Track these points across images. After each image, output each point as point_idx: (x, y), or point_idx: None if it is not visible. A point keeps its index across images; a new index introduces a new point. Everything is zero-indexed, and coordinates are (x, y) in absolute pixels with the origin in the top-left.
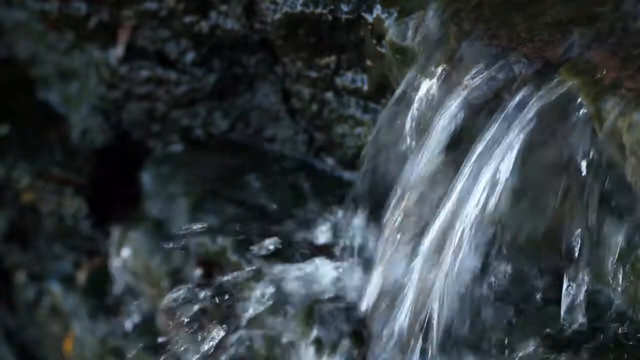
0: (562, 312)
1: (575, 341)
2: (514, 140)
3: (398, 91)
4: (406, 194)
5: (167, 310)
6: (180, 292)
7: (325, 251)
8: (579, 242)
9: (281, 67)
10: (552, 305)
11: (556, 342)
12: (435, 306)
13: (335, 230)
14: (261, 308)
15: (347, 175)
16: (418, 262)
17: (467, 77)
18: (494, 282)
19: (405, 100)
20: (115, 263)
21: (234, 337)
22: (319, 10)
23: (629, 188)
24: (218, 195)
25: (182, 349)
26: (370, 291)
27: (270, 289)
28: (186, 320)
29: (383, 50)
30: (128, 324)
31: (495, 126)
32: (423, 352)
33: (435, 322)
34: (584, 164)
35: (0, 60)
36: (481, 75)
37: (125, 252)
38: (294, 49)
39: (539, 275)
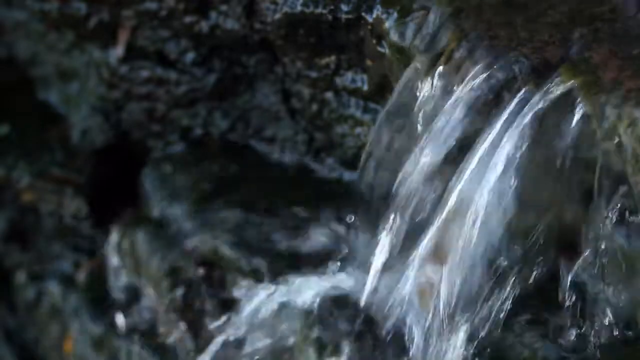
0: (563, 312)
1: (576, 340)
2: (514, 140)
3: (398, 92)
4: (406, 195)
5: (167, 310)
6: (180, 293)
7: (326, 251)
8: (581, 241)
9: (281, 67)
10: (553, 305)
11: (557, 341)
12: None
13: (336, 231)
14: (261, 308)
15: (347, 175)
16: (418, 263)
17: (467, 77)
18: (496, 282)
19: (406, 101)
20: (115, 263)
21: (234, 337)
22: (319, 10)
23: (629, 188)
24: (218, 196)
25: (183, 349)
26: (369, 289)
27: (271, 290)
28: (187, 320)
29: (383, 50)
30: (128, 324)
31: (496, 126)
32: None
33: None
34: (584, 164)
35: (0, 60)
36: (481, 75)
37: (126, 253)
38: (294, 49)
39: (542, 274)
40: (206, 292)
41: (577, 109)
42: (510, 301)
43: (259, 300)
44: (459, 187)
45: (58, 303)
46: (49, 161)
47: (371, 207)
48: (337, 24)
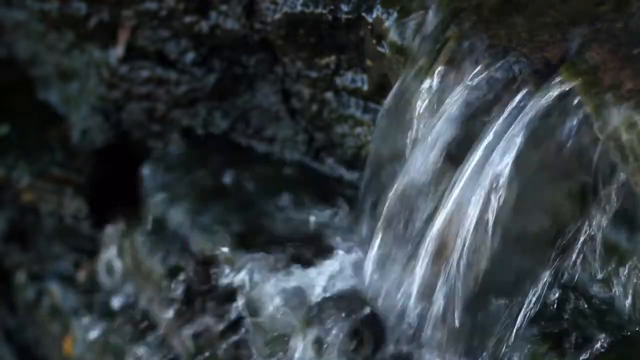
0: (564, 313)
1: (576, 340)
2: (514, 140)
3: (398, 91)
4: (406, 194)
5: (167, 310)
6: (179, 292)
7: (325, 251)
8: (581, 242)
9: (281, 67)
10: (554, 306)
11: (557, 342)
12: (439, 301)
13: (336, 230)
14: (261, 307)
15: (347, 175)
16: (418, 261)
17: (467, 77)
18: (497, 281)
19: (406, 101)
20: (114, 263)
21: (234, 337)
22: (319, 10)
23: (629, 188)
24: (217, 195)
25: (182, 347)
26: (369, 289)
27: (270, 289)
28: (186, 319)
29: (383, 50)
30: (127, 324)
31: (496, 126)
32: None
33: (437, 319)
34: (584, 163)
35: (0, 60)
36: (481, 75)
37: (125, 252)
38: (294, 49)
39: (541, 274)
40: (206, 292)
41: (577, 109)
42: (509, 300)
43: (259, 299)
44: (459, 186)
45: (58, 303)
46: (49, 161)
47: (372, 206)
48: (337, 24)
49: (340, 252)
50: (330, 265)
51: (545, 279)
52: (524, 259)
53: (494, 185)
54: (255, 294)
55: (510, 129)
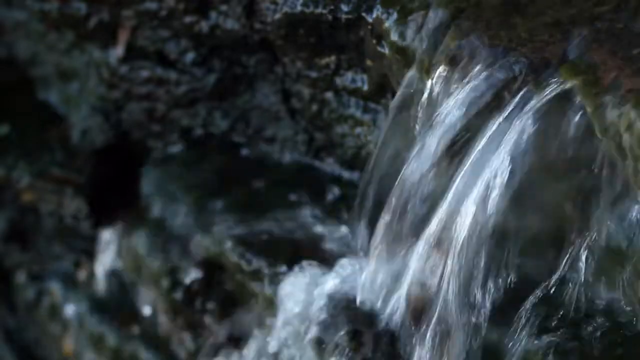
0: (564, 312)
1: (577, 340)
2: (514, 140)
3: (398, 92)
4: (405, 193)
5: (167, 310)
6: (180, 293)
7: (326, 251)
8: (581, 242)
9: (281, 67)
10: (554, 305)
11: (558, 342)
12: (436, 302)
13: (336, 230)
14: (261, 309)
15: (347, 175)
16: (415, 260)
17: (468, 77)
18: (495, 280)
19: (406, 101)
20: (114, 263)
21: (233, 337)
22: (319, 10)
23: (629, 188)
24: (218, 196)
25: (182, 348)
26: (368, 289)
27: (270, 290)
28: (186, 320)
29: (383, 50)
30: (127, 324)
31: (496, 126)
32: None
33: (434, 319)
34: (583, 164)
35: (0, 60)
36: (481, 75)
37: (125, 252)
38: (294, 49)
39: (541, 274)
40: (206, 292)
41: (577, 109)
42: (508, 300)
43: (259, 300)
44: (458, 187)
45: (58, 303)
46: (49, 161)
47: (372, 206)
48: (337, 24)
49: (340, 251)
50: (330, 265)
51: (547, 280)
52: (525, 259)
53: (493, 185)
54: (255, 294)
55: (510, 128)
